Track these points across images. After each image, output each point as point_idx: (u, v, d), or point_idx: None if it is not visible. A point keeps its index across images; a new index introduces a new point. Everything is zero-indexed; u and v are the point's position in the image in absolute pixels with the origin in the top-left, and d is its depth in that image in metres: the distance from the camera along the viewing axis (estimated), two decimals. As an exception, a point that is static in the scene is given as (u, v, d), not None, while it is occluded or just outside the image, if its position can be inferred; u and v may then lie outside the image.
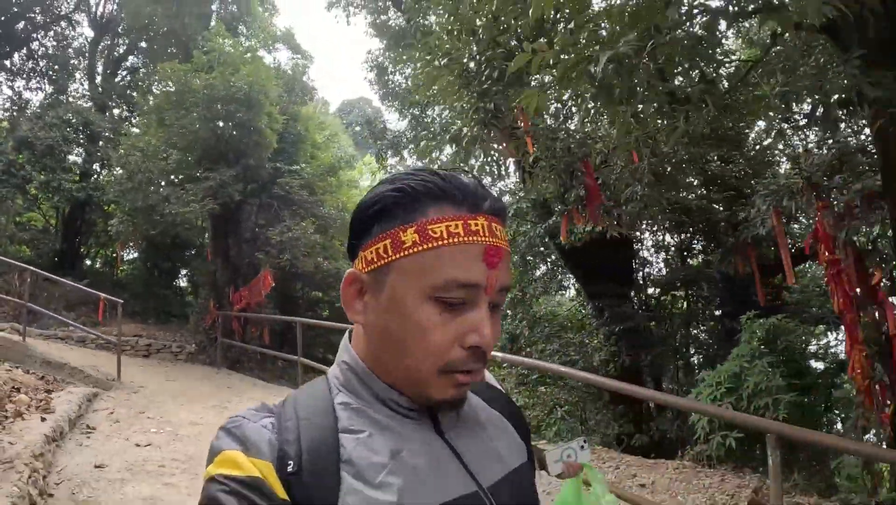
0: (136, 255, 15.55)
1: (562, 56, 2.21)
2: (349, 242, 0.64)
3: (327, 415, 0.60)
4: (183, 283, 15.09)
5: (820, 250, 4.19)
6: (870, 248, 4.63)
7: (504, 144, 3.48)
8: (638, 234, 8.77)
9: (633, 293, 9.43)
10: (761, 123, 7.26)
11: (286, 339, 9.87)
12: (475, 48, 3.25)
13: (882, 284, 4.25)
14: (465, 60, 3.30)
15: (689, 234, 9.41)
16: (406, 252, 0.57)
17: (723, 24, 3.07)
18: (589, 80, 2.09)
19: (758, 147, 7.69)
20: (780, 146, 6.39)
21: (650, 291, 10.30)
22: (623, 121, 2.59)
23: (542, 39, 2.60)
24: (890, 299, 4.37)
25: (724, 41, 5.55)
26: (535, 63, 1.98)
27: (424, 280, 0.57)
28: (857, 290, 4.28)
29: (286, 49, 12.98)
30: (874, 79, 2.66)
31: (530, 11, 2.13)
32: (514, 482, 0.66)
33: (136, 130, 13.76)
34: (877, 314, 4.29)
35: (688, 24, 3.29)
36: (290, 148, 9.74)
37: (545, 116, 4.05)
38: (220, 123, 8.36)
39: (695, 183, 8.94)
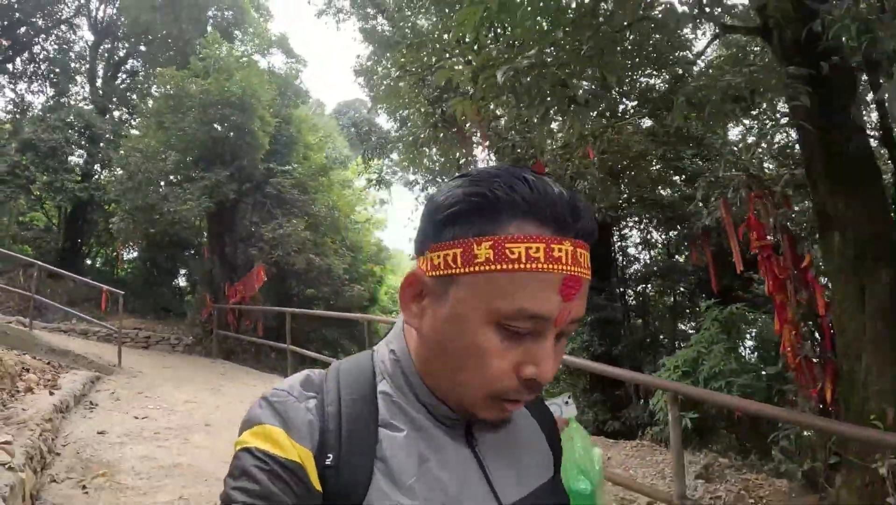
0: (135, 254, 16.07)
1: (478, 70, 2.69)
2: (418, 237, 0.61)
3: (369, 404, 0.60)
4: (182, 282, 15.58)
5: (752, 238, 4.64)
6: (802, 234, 5.09)
7: (459, 146, 3.94)
8: (616, 228, 9.23)
9: (615, 287, 9.88)
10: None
11: (280, 332, 10.32)
12: (426, 59, 3.71)
13: (812, 266, 4.70)
14: (419, 71, 3.77)
15: (676, 231, 9.85)
16: (477, 268, 0.54)
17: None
18: (498, 91, 2.55)
19: (727, 145, 8.17)
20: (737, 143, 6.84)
21: (638, 286, 10.74)
22: (538, 122, 3.06)
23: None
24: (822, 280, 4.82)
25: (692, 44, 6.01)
26: (455, 78, 2.43)
27: (492, 304, 0.54)
28: (791, 273, 4.73)
29: (281, 53, 13.50)
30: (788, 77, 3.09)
31: (452, 32, 2.61)
32: (536, 502, 0.65)
33: (135, 132, 14.28)
34: (807, 296, 4.74)
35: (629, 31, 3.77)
36: (283, 149, 10.23)
37: (500, 120, 4.52)
38: (216, 126, 8.86)
39: (677, 180, 9.38)
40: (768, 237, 4.66)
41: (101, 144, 13.89)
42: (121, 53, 18.55)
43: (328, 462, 0.55)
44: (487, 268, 0.53)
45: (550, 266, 0.53)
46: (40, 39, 18.82)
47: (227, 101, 8.50)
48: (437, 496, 0.56)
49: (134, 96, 17.82)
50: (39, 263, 8.21)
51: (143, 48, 17.34)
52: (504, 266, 0.52)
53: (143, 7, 11.99)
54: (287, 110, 10.58)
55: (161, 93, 9.76)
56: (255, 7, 14.39)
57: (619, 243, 10.22)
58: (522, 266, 0.52)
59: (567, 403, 1.32)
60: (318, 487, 0.54)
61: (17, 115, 17.72)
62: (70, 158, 14.61)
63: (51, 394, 4.65)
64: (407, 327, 0.63)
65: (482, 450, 0.62)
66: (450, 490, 0.57)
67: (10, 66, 18.35)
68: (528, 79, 2.42)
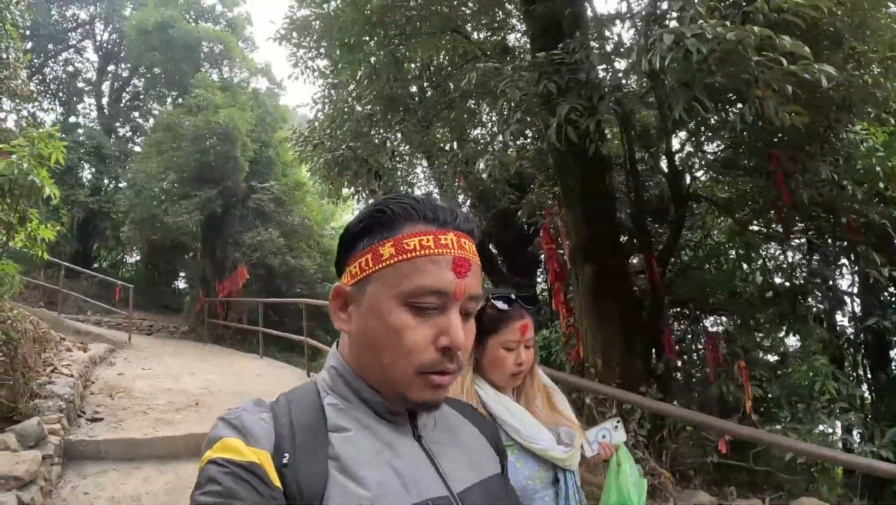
0: (137, 257, 18.51)
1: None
2: (336, 260, 0.75)
3: (317, 415, 0.69)
4: (181, 284, 17.98)
5: (544, 241, 6.71)
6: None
7: (361, 181, 6.10)
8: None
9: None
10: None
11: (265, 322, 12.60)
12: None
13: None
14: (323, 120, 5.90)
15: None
16: (384, 263, 0.67)
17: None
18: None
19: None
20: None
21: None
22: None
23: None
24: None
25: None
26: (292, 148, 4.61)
27: (399, 287, 0.66)
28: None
29: (264, 78, 15.92)
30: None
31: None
32: (486, 490, 0.74)
33: (138, 149, 16.72)
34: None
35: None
36: (263, 169, 12.57)
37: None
38: (205, 153, 11.22)
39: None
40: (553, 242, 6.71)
41: (108, 162, 16.37)
42: (124, 75, 20.96)
43: (285, 461, 0.63)
44: (391, 261, 0.67)
45: (440, 250, 0.67)
46: (50, 62, 21.27)
47: (214, 133, 10.86)
48: (392, 481, 0.65)
49: (137, 115, 20.33)
50: (65, 263, 10.59)
51: (143, 70, 19.55)
52: (403, 256, 0.66)
53: (142, 45, 14.42)
54: (267, 135, 12.94)
55: (160, 123, 12.15)
56: (242, 38, 16.78)
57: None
58: (418, 253, 0.66)
59: (616, 427, 1.40)
60: (277, 482, 0.61)
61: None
62: (81, 174, 17.12)
63: (84, 352, 6.97)
64: (341, 345, 0.75)
65: (427, 442, 0.73)
66: (403, 477, 0.66)
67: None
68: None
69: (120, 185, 16.65)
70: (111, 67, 21.02)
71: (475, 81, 4.57)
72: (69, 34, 20.99)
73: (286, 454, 0.63)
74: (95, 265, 18.17)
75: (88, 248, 17.08)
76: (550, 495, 1.35)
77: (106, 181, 17.74)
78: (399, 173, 7.59)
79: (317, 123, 5.92)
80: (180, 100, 14.58)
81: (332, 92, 6.32)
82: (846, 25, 3.55)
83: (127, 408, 5.26)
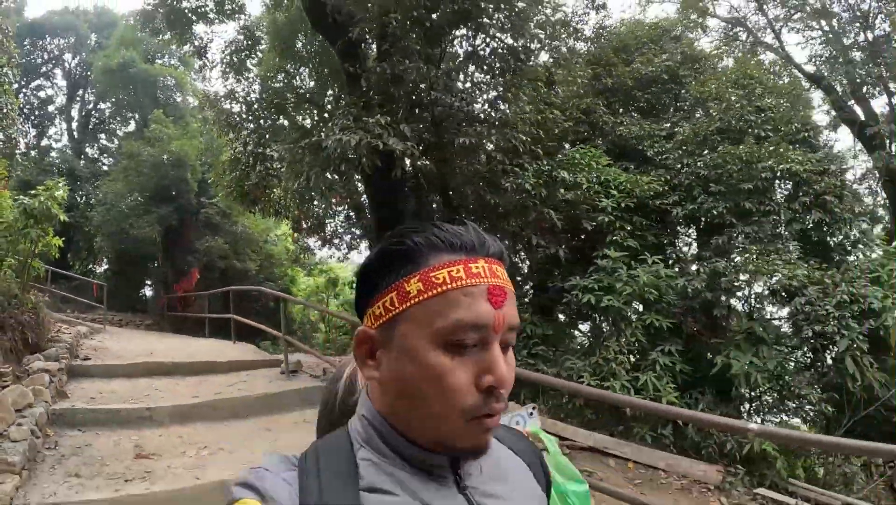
0: (107, 266, 21.59)
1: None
2: (356, 302, 0.72)
3: (350, 472, 0.66)
4: (149, 292, 21.12)
5: None
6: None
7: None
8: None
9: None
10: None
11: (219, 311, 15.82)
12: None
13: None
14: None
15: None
16: (412, 301, 0.65)
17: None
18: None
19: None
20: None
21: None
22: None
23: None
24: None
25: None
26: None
27: (433, 326, 0.63)
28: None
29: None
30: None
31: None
32: None
33: (106, 169, 19.82)
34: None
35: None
36: (211, 187, 15.76)
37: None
38: (162, 177, 14.45)
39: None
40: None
41: (80, 182, 19.49)
42: (91, 99, 24.09)
43: None
44: (419, 298, 0.64)
45: (472, 280, 0.64)
46: (23, 88, 24.39)
47: (168, 161, 14.08)
48: None
49: (104, 137, 23.46)
50: (52, 268, 13.75)
51: (108, 101, 22.66)
52: (433, 292, 0.63)
53: (107, 81, 17.61)
54: (213, 157, 16.16)
55: (125, 153, 15.37)
56: (194, 70, 20.02)
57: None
58: (448, 287, 0.63)
59: (531, 414, 1.54)
60: None
61: (6, 153, 23.46)
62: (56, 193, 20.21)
63: (73, 326, 10.17)
64: (371, 392, 0.72)
65: (475, 495, 0.69)
66: None
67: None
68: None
69: (91, 202, 19.74)
70: (80, 93, 24.19)
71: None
72: (40, 62, 24.16)
73: None
74: (69, 273, 21.29)
75: (65, 258, 20.18)
76: None
77: (78, 199, 20.87)
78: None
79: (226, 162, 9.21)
80: (143, 122, 17.74)
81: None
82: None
83: (105, 356, 8.46)
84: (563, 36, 10.91)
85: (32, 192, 7.29)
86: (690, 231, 8.07)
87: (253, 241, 16.17)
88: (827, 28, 13.63)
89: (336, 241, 11.82)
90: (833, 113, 13.50)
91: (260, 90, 9.30)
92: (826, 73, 13.03)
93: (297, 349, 9.04)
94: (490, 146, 5.67)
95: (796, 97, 8.36)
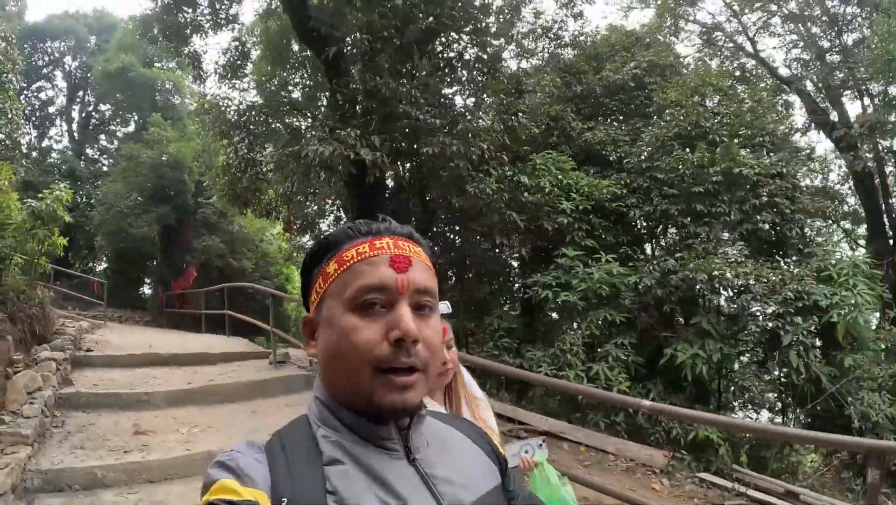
0: (106, 265, 22.28)
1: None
2: (303, 299, 0.85)
3: (311, 449, 0.73)
4: (147, 290, 21.81)
5: None
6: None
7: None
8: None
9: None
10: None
11: (218, 307, 16.46)
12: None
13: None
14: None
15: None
16: (330, 280, 0.77)
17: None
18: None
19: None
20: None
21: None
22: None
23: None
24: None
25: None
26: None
27: (344, 295, 0.74)
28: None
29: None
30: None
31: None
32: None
33: (105, 169, 20.48)
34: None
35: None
36: (208, 188, 16.40)
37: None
38: (161, 178, 15.09)
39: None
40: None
41: (81, 182, 20.15)
42: (91, 100, 24.74)
43: (284, 503, 0.66)
44: (335, 275, 0.76)
45: (374, 252, 0.75)
46: (24, 90, 25.08)
47: (167, 163, 14.72)
48: None
49: (104, 138, 24.12)
50: (54, 266, 14.42)
51: (108, 103, 23.32)
52: (344, 266, 0.75)
53: (106, 85, 18.26)
54: (211, 158, 16.80)
55: (125, 155, 16.02)
56: (191, 74, 20.69)
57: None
58: (355, 259, 0.75)
59: (541, 445, 1.59)
60: None
61: (10, 156, 24.18)
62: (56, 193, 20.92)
63: (75, 321, 10.83)
64: (319, 372, 0.81)
65: (423, 465, 0.76)
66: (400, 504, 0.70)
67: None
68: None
69: (91, 202, 20.42)
70: (80, 94, 24.86)
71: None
72: (41, 64, 24.83)
73: (284, 498, 0.67)
74: (70, 272, 21.98)
75: (66, 257, 20.86)
76: None
77: (78, 199, 21.55)
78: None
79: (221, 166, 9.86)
80: (142, 123, 18.40)
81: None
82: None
83: (106, 348, 9.10)
84: (545, 42, 11.54)
85: (40, 195, 7.94)
86: (646, 232, 8.66)
87: (249, 241, 16.82)
88: (803, 31, 14.16)
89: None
90: (808, 116, 14.04)
91: (252, 97, 9.94)
92: (801, 77, 13.54)
93: (287, 343, 9.68)
94: (453, 153, 6.26)
95: (758, 102, 8.89)
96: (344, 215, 11.89)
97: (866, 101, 13.63)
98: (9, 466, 4.12)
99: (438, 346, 0.78)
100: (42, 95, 25.09)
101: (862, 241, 16.01)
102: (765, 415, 8.46)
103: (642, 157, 8.08)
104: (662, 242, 7.52)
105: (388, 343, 0.72)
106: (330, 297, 0.77)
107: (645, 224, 8.42)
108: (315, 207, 11.14)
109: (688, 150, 7.74)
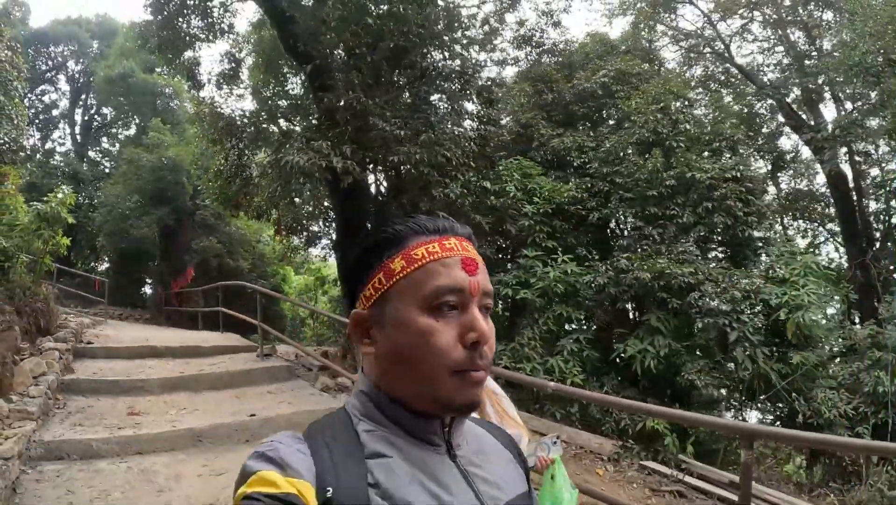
0: (108, 265, 23.11)
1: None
2: (347, 290, 0.84)
3: (353, 442, 0.74)
4: (148, 290, 22.59)
5: None
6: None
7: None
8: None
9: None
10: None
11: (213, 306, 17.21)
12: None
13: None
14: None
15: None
16: (397, 277, 0.76)
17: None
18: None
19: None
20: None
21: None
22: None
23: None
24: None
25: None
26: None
27: (417, 295, 0.74)
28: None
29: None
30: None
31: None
32: None
33: (107, 170, 21.29)
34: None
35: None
36: (204, 192, 17.16)
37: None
38: (160, 181, 15.85)
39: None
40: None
41: (83, 184, 20.99)
42: (93, 103, 25.58)
43: (329, 495, 0.67)
44: (403, 273, 0.75)
45: (447, 253, 0.76)
46: (28, 93, 25.98)
47: (165, 166, 15.48)
48: (433, 503, 0.71)
49: (106, 140, 24.97)
50: (57, 265, 15.19)
51: (110, 106, 24.16)
52: (414, 266, 0.75)
53: (108, 90, 19.08)
54: (209, 162, 17.54)
55: (126, 159, 16.81)
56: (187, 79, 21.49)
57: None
58: (427, 259, 0.75)
59: (555, 442, 1.69)
60: None
61: (16, 160, 25.05)
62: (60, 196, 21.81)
63: (77, 317, 11.57)
64: (367, 369, 0.81)
65: (464, 464, 0.79)
66: (443, 499, 0.72)
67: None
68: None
69: (93, 203, 21.24)
70: (82, 97, 25.71)
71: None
72: (45, 69, 25.71)
73: (329, 488, 0.68)
74: (73, 270, 22.80)
75: (68, 256, 21.68)
76: None
77: (81, 200, 22.37)
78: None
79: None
80: (142, 126, 19.20)
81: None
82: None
83: (106, 341, 9.82)
84: (527, 50, 12.18)
85: (45, 198, 8.67)
86: (604, 233, 9.27)
87: (245, 242, 17.56)
88: (780, 37, 14.71)
89: (317, 241, 13.16)
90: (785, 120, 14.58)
91: (248, 104, 10.60)
92: (775, 83, 14.07)
93: (279, 339, 10.36)
94: (417, 161, 6.88)
95: (718, 109, 9.46)
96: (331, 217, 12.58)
97: (848, 105, 14.14)
98: (16, 436, 4.80)
99: (494, 343, 0.80)
100: (45, 98, 25.99)
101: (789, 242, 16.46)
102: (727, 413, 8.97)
103: (600, 164, 8.70)
104: (619, 243, 8.10)
105: (464, 346, 0.74)
106: (397, 296, 0.77)
107: (604, 225, 9.03)
108: (307, 209, 11.81)
109: (647, 155, 8.35)
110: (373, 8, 6.85)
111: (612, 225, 8.93)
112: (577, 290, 7.67)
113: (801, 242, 17.28)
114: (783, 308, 7.30)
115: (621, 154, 8.64)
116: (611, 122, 9.71)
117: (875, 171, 14.08)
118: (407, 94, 7.62)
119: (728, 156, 9.05)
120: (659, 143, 8.54)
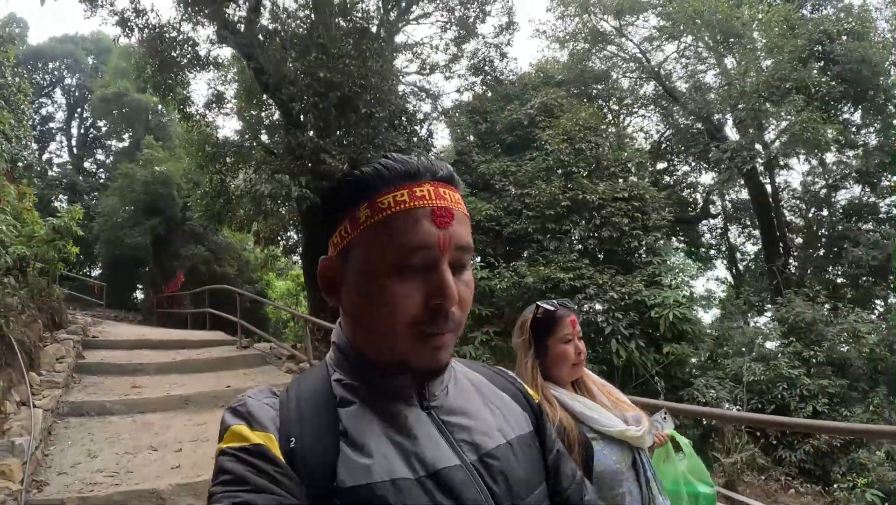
0: (101, 271, 25.07)
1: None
2: (324, 235, 0.81)
3: (326, 392, 0.76)
4: (140, 295, 24.56)
5: None
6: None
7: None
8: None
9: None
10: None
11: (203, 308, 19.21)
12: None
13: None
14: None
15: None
16: (361, 227, 0.72)
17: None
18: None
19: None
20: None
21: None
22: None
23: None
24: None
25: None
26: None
27: (381, 250, 0.71)
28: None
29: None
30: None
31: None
32: (510, 449, 0.79)
33: (102, 181, 23.31)
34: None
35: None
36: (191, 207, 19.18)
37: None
38: (152, 193, 17.89)
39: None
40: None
41: (80, 195, 23.02)
42: (89, 115, 27.56)
43: (292, 445, 0.69)
44: (368, 223, 0.72)
45: (415, 203, 0.71)
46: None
47: (157, 180, 17.52)
48: (401, 454, 0.71)
49: (100, 152, 27.00)
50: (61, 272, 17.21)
51: (106, 119, 26.12)
52: (380, 216, 0.71)
53: (103, 108, 21.14)
54: (199, 175, 19.59)
55: (120, 174, 18.85)
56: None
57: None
58: (393, 210, 0.71)
59: (665, 418, 1.64)
60: (284, 462, 0.68)
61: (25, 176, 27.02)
62: (59, 206, 23.85)
63: (81, 317, 13.59)
64: (342, 320, 0.81)
65: (440, 414, 0.78)
66: (412, 448, 0.72)
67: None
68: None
69: (89, 212, 23.19)
70: (78, 111, 27.74)
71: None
72: (42, 84, 27.72)
73: (292, 438, 0.70)
74: (72, 275, 24.76)
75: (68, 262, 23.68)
76: (632, 477, 1.65)
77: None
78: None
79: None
80: (136, 141, 21.25)
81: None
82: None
83: (108, 336, 11.84)
84: (479, 78, 14.26)
85: (59, 213, 10.70)
86: (514, 246, 11.33)
87: (232, 249, 19.57)
88: (709, 64, 16.71)
89: (295, 250, 15.23)
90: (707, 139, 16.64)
91: (234, 124, 12.57)
92: (691, 102, 15.86)
93: (256, 334, 12.38)
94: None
95: (618, 139, 11.51)
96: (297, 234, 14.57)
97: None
98: (48, 398, 6.79)
99: (471, 301, 0.78)
100: (43, 111, 28.01)
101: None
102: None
103: (518, 186, 10.75)
104: (524, 254, 10.08)
105: (428, 308, 0.72)
106: (361, 247, 0.74)
107: (516, 239, 11.08)
108: (281, 223, 13.85)
109: (552, 178, 10.43)
110: (324, 63, 8.83)
111: (519, 238, 10.97)
112: (492, 292, 9.68)
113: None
114: (656, 308, 9.33)
115: (532, 179, 10.67)
116: (533, 149, 11.72)
117: (796, 184, 16.10)
118: (352, 136, 9.59)
119: (624, 178, 11.10)
120: (563, 168, 10.58)
